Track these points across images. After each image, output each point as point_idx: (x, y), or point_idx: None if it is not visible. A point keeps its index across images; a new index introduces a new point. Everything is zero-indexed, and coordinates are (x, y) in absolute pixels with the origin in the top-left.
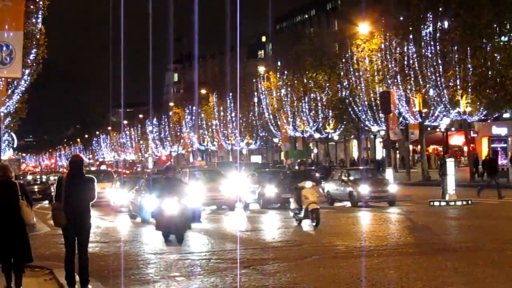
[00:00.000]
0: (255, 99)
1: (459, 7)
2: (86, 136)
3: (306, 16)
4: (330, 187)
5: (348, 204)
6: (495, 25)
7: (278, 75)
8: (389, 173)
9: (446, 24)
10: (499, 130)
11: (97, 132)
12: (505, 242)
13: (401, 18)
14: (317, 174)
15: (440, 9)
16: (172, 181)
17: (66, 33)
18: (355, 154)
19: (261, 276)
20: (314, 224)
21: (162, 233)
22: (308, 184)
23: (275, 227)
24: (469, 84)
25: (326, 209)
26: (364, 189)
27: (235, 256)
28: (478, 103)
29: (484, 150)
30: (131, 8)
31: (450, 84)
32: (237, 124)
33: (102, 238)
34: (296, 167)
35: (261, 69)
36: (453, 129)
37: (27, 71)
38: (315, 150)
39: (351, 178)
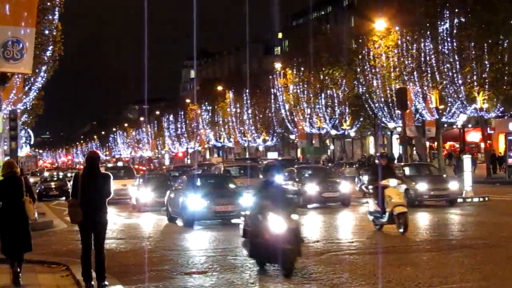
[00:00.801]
0: (272, 96)
1: (476, 3)
2: (103, 132)
3: (323, 12)
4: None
5: None
6: (511, 22)
7: (294, 72)
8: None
9: (462, 20)
10: None
11: (114, 129)
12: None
13: (418, 14)
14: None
15: (457, 5)
16: (275, 188)
17: (83, 30)
18: (371, 151)
19: (278, 272)
20: (401, 230)
21: (257, 260)
22: (393, 182)
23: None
24: (486, 80)
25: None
26: (422, 186)
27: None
28: (495, 100)
29: (501, 147)
30: (151, 5)
31: (467, 80)
32: (253, 121)
33: (119, 234)
34: (376, 161)
35: (278, 65)
36: (469, 125)
37: (43, 68)
38: (332, 147)
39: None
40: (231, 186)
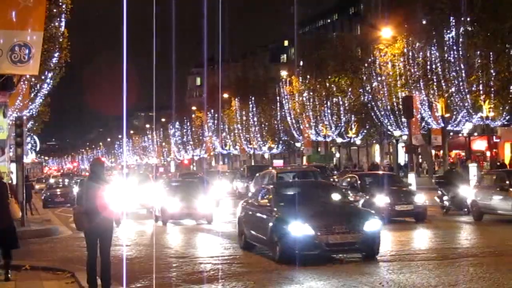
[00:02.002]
0: (278, 104)
1: (482, 12)
2: (109, 139)
3: (329, 20)
4: None
5: None
6: None
7: (300, 80)
8: (411, 178)
9: (469, 28)
10: None
11: (119, 136)
12: None
13: (424, 23)
14: None
15: (463, 13)
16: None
17: (91, 37)
18: (377, 159)
19: (282, 280)
20: None
21: None
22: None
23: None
24: (492, 89)
25: None
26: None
27: (256, 260)
28: (501, 108)
29: (506, 155)
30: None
31: (473, 89)
32: (259, 129)
33: (125, 241)
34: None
35: (284, 73)
36: (475, 134)
37: (49, 75)
38: (337, 155)
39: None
40: (340, 198)
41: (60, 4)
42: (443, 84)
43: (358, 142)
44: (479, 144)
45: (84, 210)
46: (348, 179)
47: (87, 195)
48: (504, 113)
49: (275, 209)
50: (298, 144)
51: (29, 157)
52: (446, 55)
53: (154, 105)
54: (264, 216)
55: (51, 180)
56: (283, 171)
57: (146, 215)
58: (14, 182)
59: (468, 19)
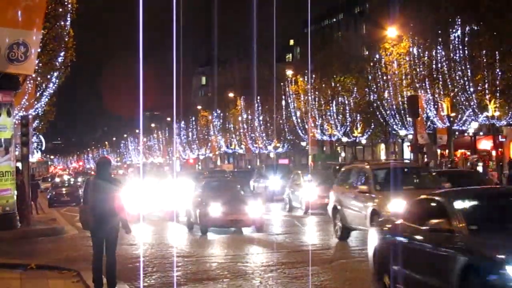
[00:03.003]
0: (283, 103)
1: (488, 11)
2: (114, 138)
3: (334, 19)
4: None
5: None
6: None
7: (305, 79)
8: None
9: (474, 28)
10: None
11: (125, 135)
12: None
13: (429, 22)
14: None
15: (469, 13)
16: None
17: (97, 37)
18: (382, 158)
19: (287, 279)
20: None
21: None
22: None
23: None
24: (498, 88)
25: None
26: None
27: (262, 259)
28: (506, 108)
29: None
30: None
31: (479, 88)
32: (264, 128)
33: (130, 240)
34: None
35: (289, 72)
36: (481, 133)
37: (55, 74)
38: (343, 154)
39: None
40: None
41: (66, 3)
42: (449, 83)
43: (363, 141)
44: (485, 144)
45: (90, 209)
46: None
47: (93, 194)
48: (510, 112)
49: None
50: (303, 143)
51: (35, 156)
52: (451, 54)
53: (174, 104)
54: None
55: (57, 179)
56: (379, 167)
57: (165, 218)
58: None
59: (474, 18)
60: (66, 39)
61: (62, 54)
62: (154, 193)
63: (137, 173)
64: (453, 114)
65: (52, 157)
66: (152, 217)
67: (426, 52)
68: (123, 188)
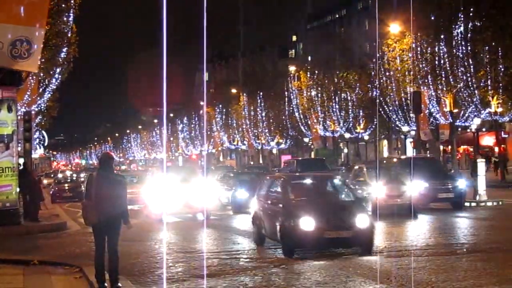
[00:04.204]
0: (286, 99)
1: (491, 7)
2: (117, 134)
3: (337, 15)
4: None
5: None
6: None
7: (308, 75)
8: None
9: (477, 24)
10: None
11: (128, 131)
12: None
13: (432, 18)
14: None
15: (472, 9)
16: None
17: (100, 33)
18: (385, 154)
19: (291, 275)
20: None
21: None
22: None
23: None
24: (500, 84)
25: None
26: None
27: (265, 255)
28: (509, 104)
29: None
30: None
31: (481, 84)
32: (267, 124)
33: (132, 236)
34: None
35: (292, 68)
36: (484, 129)
37: (58, 70)
38: (345, 150)
39: None
40: None
41: None
42: (451, 79)
43: (366, 137)
44: (487, 140)
45: (93, 204)
46: None
47: (96, 190)
48: None
49: None
50: (306, 139)
51: (38, 152)
52: (454, 50)
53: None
54: None
55: (59, 175)
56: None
57: (195, 221)
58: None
59: (477, 14)
60: (69, 35)
61: (65, 49)
62: (181, 191)
63: (160, 169)
64: (455, 110)
65: (55, 153)
66: (178, 217)
67: (429, 48)
68: (125, 183)
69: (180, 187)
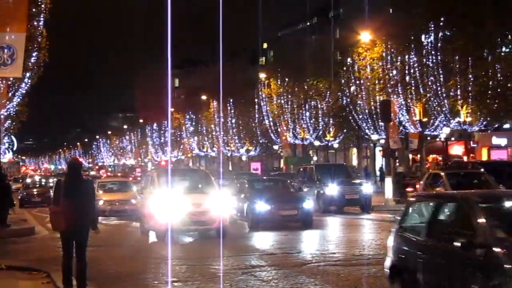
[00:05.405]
0: (256, 106)
1: (462, 17)
2: (86, 140)
3: (308, 23)
4: None
5: None
6: (497, 36)
7: (279, 82)
8: (388, 182)
9: (447, 33)
10: (499, 141)
11: (97, 136)
12: None
13: (403, 27)
14: None
15: (442, 18)
16: None
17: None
18: (354, 162)
19: (259, 282)
20: None
21: None
22: None
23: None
24: (470, 94)
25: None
26: None
27: (234, 262)
28: (478, 113)
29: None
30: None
31: (451, 93)
32: (237, 131)
33: (102, 242)
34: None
35: (262, 75)
36: (453, 138)
37: (28, 74)
38: (315, 158)
39: None
40: None
41: (39, 3)
42: (421, 88)
43: (335, 145)
44: (457, 149)
45: (61, 210)
46: None
47: (64, 195)
48: (482, 118)
49: None
50: (275, 147)
51: (6, 157)
52: (424, 59)
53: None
54: None
55: (28, 180)
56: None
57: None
58: None
59: (448, 23)
60: (39, 39)
61: (35, 54)
62: (189, 201)
63: (160, 173)
64: (425, 119)
65: (24, 157)
66: (186, 234)
67: (399, 57)
68: (93, 189)
69: (188, 196)
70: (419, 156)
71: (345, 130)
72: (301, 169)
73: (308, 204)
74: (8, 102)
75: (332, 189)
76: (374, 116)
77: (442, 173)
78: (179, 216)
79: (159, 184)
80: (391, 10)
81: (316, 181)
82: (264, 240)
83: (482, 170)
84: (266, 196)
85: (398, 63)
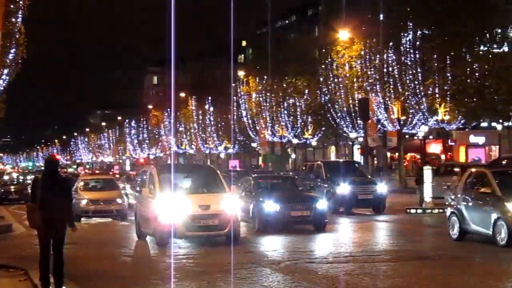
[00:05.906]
0: (234, 104)
1: (443, 15)
2: (64, 137)
3: (287, 21)
4: None
5: None
6: (476, 35)
7: (257, 80)
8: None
9: (426, 32)
10: (477, 139)
11: (75, 133)
12: (481, 251)
13: (381, 25)
14: None
15: (422, 16)
16: None
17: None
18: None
19: (238, 280)
20: None
21: None
22: None
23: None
24: (448, 92)
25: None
26: None
27: (215, 260)
28: (456, 112)
29: (461, 158)
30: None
31: (429, 92)
32: (215, 128)
33: (80, 240)
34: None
35: (241, 73)
36: (431, 137)
37: (5, 71)
38: (293, 156)
39: None
40: None
41: (17, 0)
42: (400, 87)
43: (314, 143)
44: (434, 147)
45: (38, 207)
46: None
47: (41, 193)
48: (459, 117)
49: None
50: (254, 144)
51: None
52: (403, 58)
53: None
54: None
55: (6, 177)
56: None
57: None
58: None
59: (426, 22)
60: (17, 36)
61: (13, 51)
62: (195, 199)
63: (162, 168)
64: (403, 118)
65: (1, 154)
66: (190, 240)
67: (378, 56)
68: (70, 187)
69: (194, 197)
70: (397, 154)
71: (323, 128)
72: (307, 166)
73: (322, 204)
74: None
75: (344, 188)
76: (353, 114)
77: (488, 172)
78: (184, 220)
79: (159, 183)
80: (370, 8)
81: (325, 180)
82: (276, 246)
83: None
84: (275, 195)
85: (377, 61)
